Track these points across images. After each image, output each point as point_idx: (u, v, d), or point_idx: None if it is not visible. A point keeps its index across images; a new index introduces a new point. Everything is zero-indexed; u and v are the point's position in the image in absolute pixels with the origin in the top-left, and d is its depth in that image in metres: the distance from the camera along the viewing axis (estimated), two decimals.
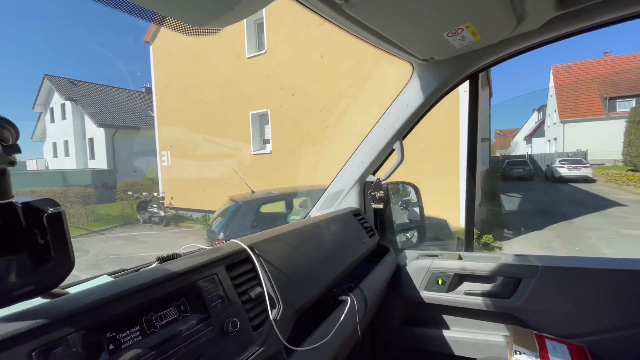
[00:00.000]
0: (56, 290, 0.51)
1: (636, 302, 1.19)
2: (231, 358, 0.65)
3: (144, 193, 10.35)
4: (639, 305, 1.19)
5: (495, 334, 1.40)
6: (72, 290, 0.56)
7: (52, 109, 20.81)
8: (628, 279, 1.21)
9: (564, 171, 15.98)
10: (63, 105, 19.38)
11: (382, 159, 1.53)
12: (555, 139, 27.06)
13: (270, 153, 8.22)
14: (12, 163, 0.45)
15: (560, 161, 16.83)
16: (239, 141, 8.67)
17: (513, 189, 14.05)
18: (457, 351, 1.45)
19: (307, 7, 0.86)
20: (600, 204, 9.93)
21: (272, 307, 0.78)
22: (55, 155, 20.60)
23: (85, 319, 0.49)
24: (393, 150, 1.50)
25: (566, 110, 25.38)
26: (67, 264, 0.46)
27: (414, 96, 1.38)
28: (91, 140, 18.93)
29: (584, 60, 27.75)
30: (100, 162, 18.11)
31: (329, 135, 7.20)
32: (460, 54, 1.21)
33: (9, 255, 0.42)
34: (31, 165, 20.50)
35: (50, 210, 0.45)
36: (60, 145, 20.21)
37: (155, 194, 10.57)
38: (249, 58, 8.36)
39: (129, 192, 10.84)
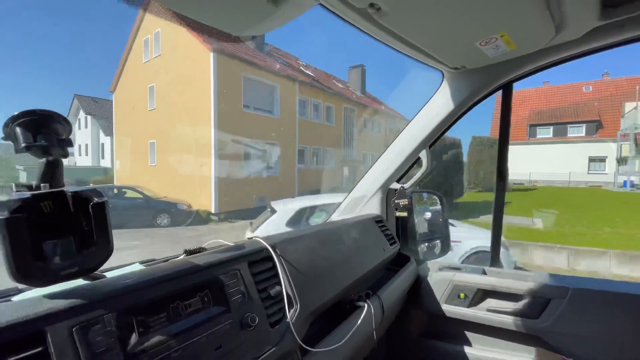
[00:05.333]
0: (96, 273, 0.55)
1: None
2: (248, 351, 0.67)
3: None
4: None
5: (518, 355, 1.34)
6: (108, 274, 0.61)
7: (79, 120, 28.83)
8: None
9: None
10: (86, 118, 27.20)
11: (407, 166, 1.52)
12: None
13: (155, 165, 14.17)
14: (65, 155, 0.50)
15: None
16: (146, 157, 14.68)
17: None
18: None
19: (339, 16, 0.88)
20: None
21: (290, 306, 0.80)
22: (80, 155, 28.77)
23: (121, 301, 0.53)
24: (419, 158, 1.48)
25: (496, 135, 28.33)
26: (107, 249, 0.51)
27: (443, 104, 1.36)
28: (102, 145, 26.49)
29: (524, 89, 30.12)
30: (107, 162, 25.59)
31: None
32: (494, 63, 1.18)
33: (59, 238, 0.47)
34: (64, 162, 29.03)
35: (96, 199, 0.49)
36: (83, 148, 28.25)
37: None
38: (149, 111, 14.37)
39: (91, 185, 17.23)
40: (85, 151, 29.02)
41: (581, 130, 24.87)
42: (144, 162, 14.57)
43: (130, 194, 10.57)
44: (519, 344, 1.35)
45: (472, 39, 0.98)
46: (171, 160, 13.13)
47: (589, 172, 23.94)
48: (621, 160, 20.06)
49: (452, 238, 1.69)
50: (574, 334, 1.23)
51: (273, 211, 4.24)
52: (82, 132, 28.99)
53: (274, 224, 4.08)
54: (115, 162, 17.41)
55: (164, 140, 13.65)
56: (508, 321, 1.32)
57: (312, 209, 4.28)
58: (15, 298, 0.58)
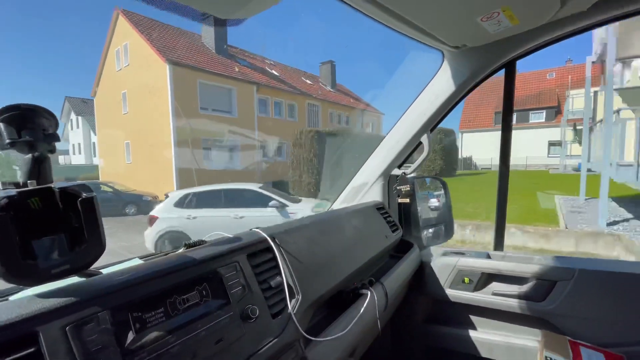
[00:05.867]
0: (91, 270, 0.54)
1: None
2: (250, 343, 0.66)
3: None
4: None
5: (524, 338, 1.34)
6: (105, 270, 0.59)
7: (72, 120, 30.62)
8: None
9: None
10: (77, 118, 29.01)
11: (408, 152, 1.49)
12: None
13: (131, 163, 16.01)
14: (52, 150, 0.49)
15: None
16: (124, 156, 16.49)
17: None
18: (483, 353, 1.40)
19: None
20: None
21: (291, 296, 0.80)
22: (74, 153, 30.73)
23: (116, 298, 0.52)
24: (420, 143, 1.46)
25: (466, 122, 29.68)
26: (99, 245, 0.50)
27: (444, 86, 1.33)
28: (94, 143, 28.32)
29: (495, 77, 31.28)
30: (98, 159, 27.43)
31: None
32: (496, 40, 1.14)
33: (49, 236, 0.46)
34: (61, 160, 30.68)
35: (84, 195, 0.48)
36: (77, 147, 30.18)
37: None
38: (124, 114, 16.13)
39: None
40: (79, 150, 30.98)
41: (541, 117, 26.19)
42: (122, 160, 16.44)
43: (104, 188, 12.45)
44: (525, 327, 1.35)
45: (473, 15, 0.94)
46: (142, 158, 15.00)
47: (549, 155, 25.36)
48: (562, 145, 21.45)
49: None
50: (580, 316, 1.23)
51: (166, 197, 5.95)
52: (75, 132, 30.85)
53: (164, 205, 5.73)
54: (100, 161, 19.34)
55: (136, 141, 15.46)
56: (513, 304, 1.32)
57: (196, 194, 6.08)
58: (12, 297, 0.57)
